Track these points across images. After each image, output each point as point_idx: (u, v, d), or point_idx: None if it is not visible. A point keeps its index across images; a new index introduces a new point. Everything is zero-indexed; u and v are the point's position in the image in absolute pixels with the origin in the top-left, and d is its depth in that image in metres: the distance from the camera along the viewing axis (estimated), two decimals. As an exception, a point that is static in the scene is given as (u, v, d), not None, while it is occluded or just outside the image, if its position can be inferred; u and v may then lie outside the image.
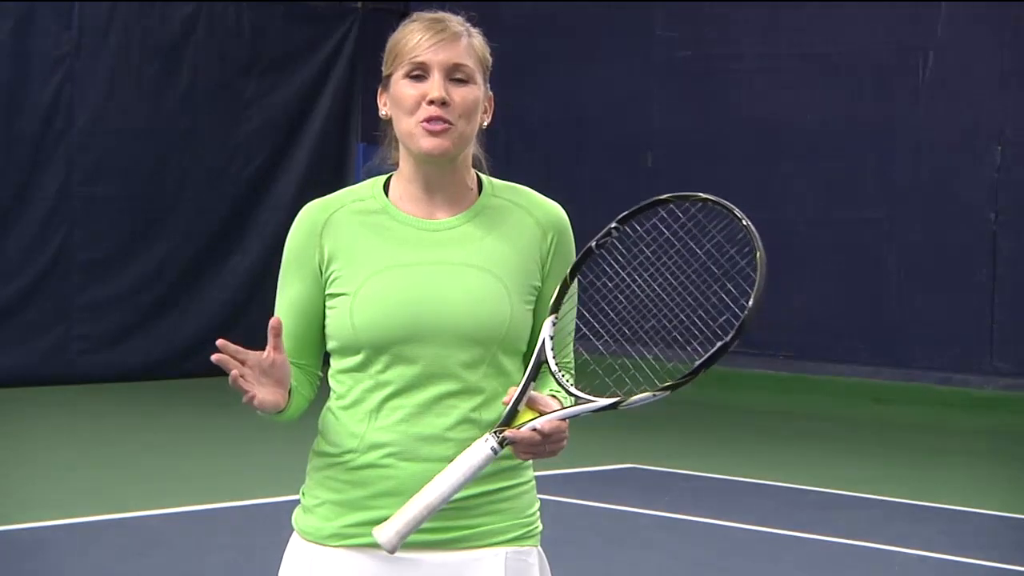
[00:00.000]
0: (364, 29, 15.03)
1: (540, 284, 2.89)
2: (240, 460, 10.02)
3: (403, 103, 2.84)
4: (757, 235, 2.70)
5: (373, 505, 2.82)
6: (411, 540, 2.79)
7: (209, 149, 14.31)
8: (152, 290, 14.00)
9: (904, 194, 13.00)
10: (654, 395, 2.69)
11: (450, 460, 2.75)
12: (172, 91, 14.11)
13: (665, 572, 7.32)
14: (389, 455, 2.81)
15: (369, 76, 14.70)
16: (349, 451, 2.84)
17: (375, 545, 2.80)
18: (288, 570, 2.90)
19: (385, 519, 2.78)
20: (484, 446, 2.70)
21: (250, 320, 13.52)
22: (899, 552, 7.65)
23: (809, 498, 9.14)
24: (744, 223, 2.71)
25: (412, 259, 2.84)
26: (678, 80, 14.21)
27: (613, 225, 2.85)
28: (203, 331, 14.05)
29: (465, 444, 2.77)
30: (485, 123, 2.92)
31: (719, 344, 2.70)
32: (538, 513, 2.95)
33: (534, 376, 2.77)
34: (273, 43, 14.51)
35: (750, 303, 2.68)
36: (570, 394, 2.77)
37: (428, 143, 2.82)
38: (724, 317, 2.74)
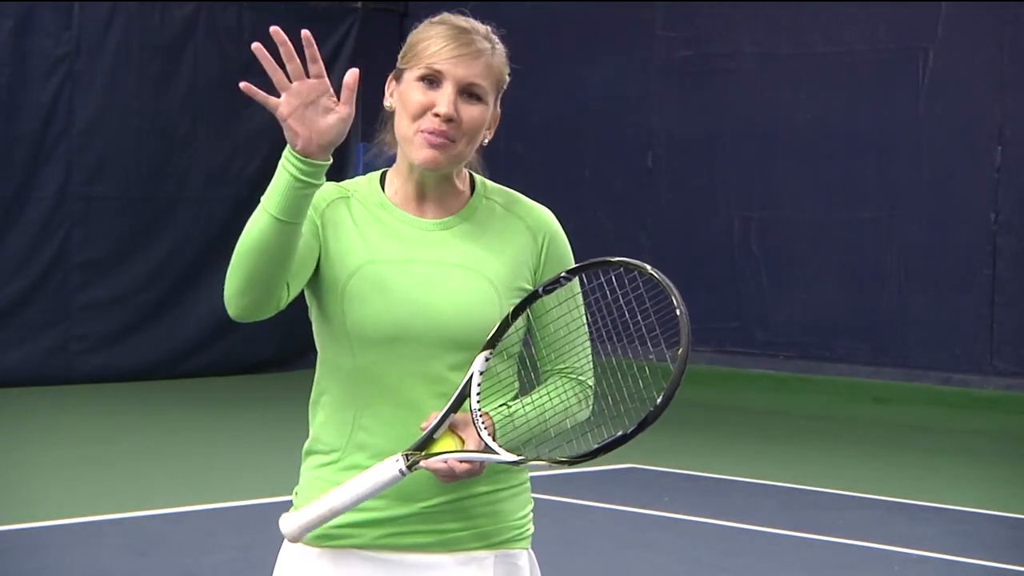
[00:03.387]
0: (364, 29, 15.02)
1: (532, 289, 2.86)
2: (240, 460, 10.01)
3: (409, 106, 2.81)
4: (688, 328, 2.64)
5: (362, 507, 2.80)
6: (401, 541, 2.81)
7: (209, 149, 14.31)
8: (152, 290, 14.00)
9: (904, 194, 12.99)
10: (550, 465, 2.71)
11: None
12: (172, 91, 14.11)
13: (665, 572, 7.32)
14: (374, 456, 2.79)
15: (369, 76, 14.63)
16: (335, 450, 2.83)
17: (365, 546, 2.82)
18: (280, 572, 2.90)
19: (376, 521, 2.80)
20: (394, 466, 2.71)
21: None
22: (899, 552, 7.65)
23: (809, 498, 9.14)
24: (679, 311, 2.66)
25: (405, 255, 2.82)
26: (678, 80, 14.20)
27: (563, 275, 2.81)
28: (203, 331, 14.05)
29: None
30: (487, 140, 2.88)
31: (619, 434, 2.69)
32: (530, 515, 2.94)
33: (455, 408, 2.74)
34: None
35: (659, 399, 2.64)
36: (481, 439, 2.72)
37: (423, 155, 2.79)
38: (634, 404, 2.72)
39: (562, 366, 2.89)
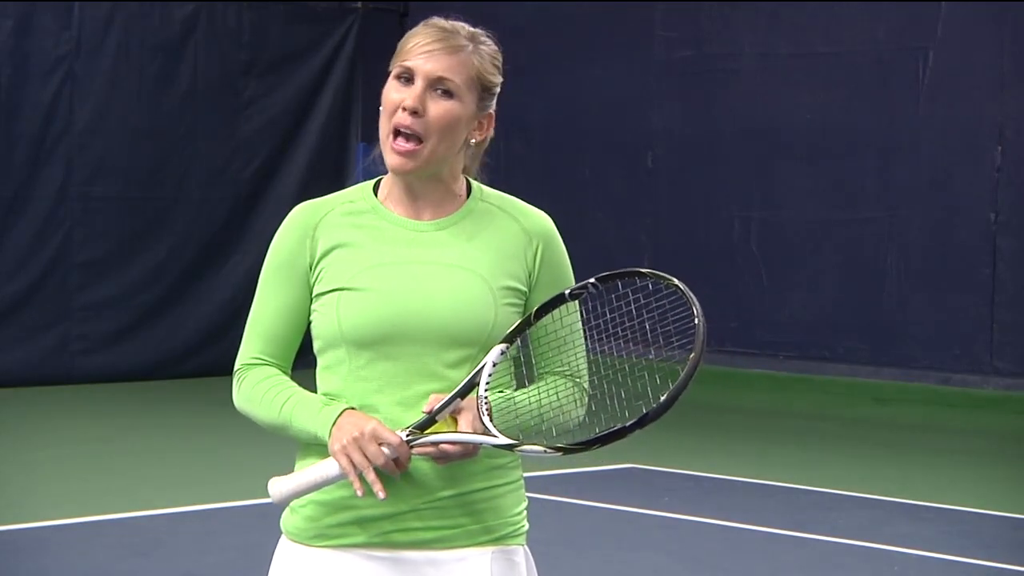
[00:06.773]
0: (364, 29, 15.02)
1: (526, 290, 2.89)
2: (240, 460, 10.01)
3: (385, 103, 2.84)
4: (704, 337, 2.68)
5: (357, 505, 2.82)
6: (398, 539, 2.82)
7: (209, 149, 14.32)
8: (152, 290, 14.00)
9: (904, 194, 12.99)
10: (545, 451, 2.71)
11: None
12: (172, 91, 14.11)
13: (665, 572, 7.32)
14: None
15: (369, 76, 14.70)
16: None
17: (360, 545, 2.82)
18: (276, 571, 2.91)
19: (370, 519, 2.81)
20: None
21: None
22: (899, 552, 7.65)
23: (809, 498, 9.14)
24: (697, 321, 2.70)
25: (399, 257, 2.84)
26: (678, 80, 14.20)
27: (591, 282, 2.83)
28: (203, 331, 14.06)
29: None
30: (473, 140, 2.88)
31: (617, 427, 2.70)
32: (525, 512, 2.95)
33: (461, 394, 2.76)
34: (273, 43, 14.51)
35: (663, 398, 2.68)
36: (482, 422, 2.74)
37: (392, 160, 2.83)
38: (639, 402, 2.74)
39: (560, 368, 2.91)
